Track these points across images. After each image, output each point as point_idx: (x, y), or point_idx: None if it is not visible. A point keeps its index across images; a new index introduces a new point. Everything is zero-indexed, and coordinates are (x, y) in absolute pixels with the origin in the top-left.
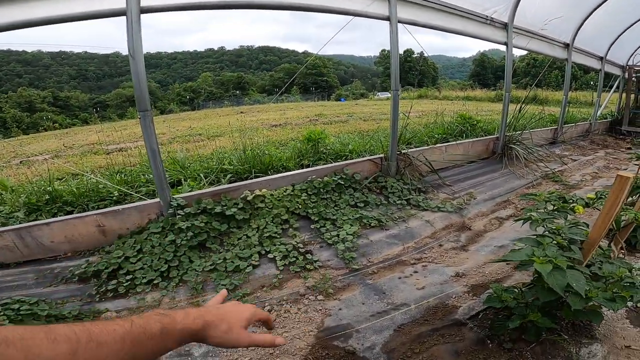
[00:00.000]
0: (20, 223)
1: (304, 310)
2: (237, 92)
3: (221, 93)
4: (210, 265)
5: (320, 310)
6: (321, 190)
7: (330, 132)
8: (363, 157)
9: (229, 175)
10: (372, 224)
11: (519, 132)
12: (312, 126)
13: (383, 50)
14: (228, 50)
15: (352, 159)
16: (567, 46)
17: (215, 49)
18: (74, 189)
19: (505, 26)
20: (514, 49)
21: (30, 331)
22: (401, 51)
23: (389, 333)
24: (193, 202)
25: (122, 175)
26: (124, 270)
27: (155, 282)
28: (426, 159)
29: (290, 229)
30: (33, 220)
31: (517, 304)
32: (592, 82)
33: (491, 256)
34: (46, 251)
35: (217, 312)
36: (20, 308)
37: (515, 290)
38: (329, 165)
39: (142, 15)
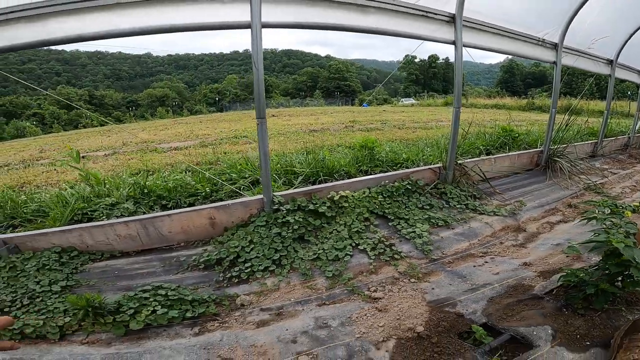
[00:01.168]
0: (135, 214)
1: (404, 289)
2: None
3: (245, 95)
4: (313, 254)
5: (416, 289)
6: (394, 193)
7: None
8: (423, 166)
9: (300, 177)
10: (439, 224)
11: (564, 145)
12: (350, 132)
13: (407, 56)
14: None
15: (408, 167)
16: (610, 62)
17: (240, 51)
18: (169, 185)
19: (554, 46)
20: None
21: None
22: (425, 57)
23: (483, 303)
24: (289, 200)
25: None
26: (242, 258)
27: (270, 269)
28: (480, 169)
29: (371, 226)
30: (150, 213)
31: (589, 278)
32: (628, 92)
33: (550, 251)
34: (162, 241)
35: None
36: (167, 294)
37: (585, 270)
38: (397, 172)
39: None
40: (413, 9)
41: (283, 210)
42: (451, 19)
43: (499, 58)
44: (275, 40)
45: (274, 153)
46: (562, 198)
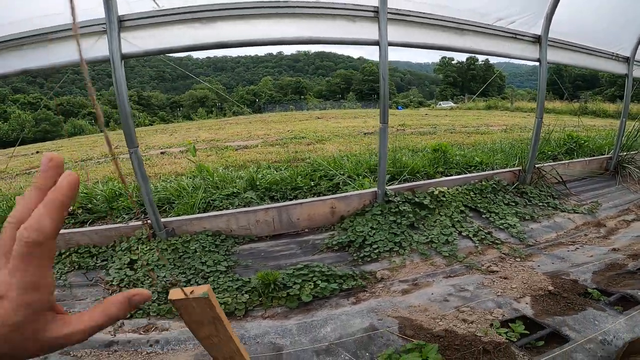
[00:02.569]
0: (251, 204)
1: (513, 265)
2: (296, 96)
3: (280, 97)
4: (426, 238)
5: (525, 266)
6: (483, 191)
7: (428, 143)
8: (498, 169)
9: (387, 176)
10: (525, 218)
11: (634, 152)
12: (405, 136)
13: (444, 58)
14: (286, 55)
15: (484, 169)
16: None
17: (274, 53)
18: (275, 178)
19: (627, 60)
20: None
21: None
22: (464, 58)
23: (589, 274)
24: (396, 193)
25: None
26: (368, 241)
27: (394, 249)
28: (557, 172)
29: (467, 217)
30: (275, 203)
31: None
32: None
33: (632, 241)
34: (291, 227)
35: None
36: (322, 270)
37: None
38: (482, 173)
39: None
40: (503, 31)
41: (394, 202)
42: (536, 40)
43: None
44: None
45: (350, 153)
46: (633, 200)
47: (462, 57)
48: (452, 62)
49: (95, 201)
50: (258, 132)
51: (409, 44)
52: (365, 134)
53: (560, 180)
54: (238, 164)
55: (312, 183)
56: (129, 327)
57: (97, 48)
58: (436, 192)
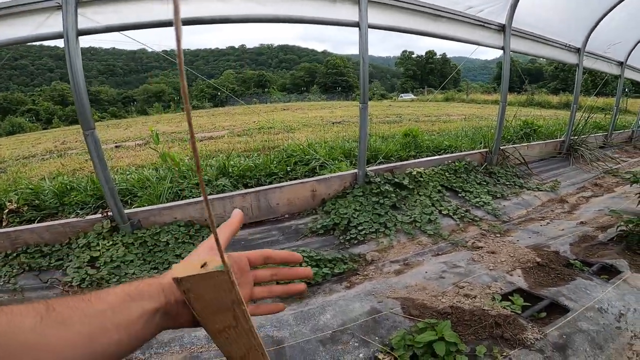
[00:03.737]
0: (231, 191)
1: (495, 241)
2: (259, 89)
3: (243, 90)
4: (409, 218)
5: (505, 241)
6: (457, 171)
7: (397, 130)
8: (466, 151)
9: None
10: (497, 196)
11: (584, 136)
12: (372, 125)
13: (404, 51)
14: (249, 49)
15: (453, 152)
16: (621, 64)
17: (236, 46)
18: (248, 165)
19: (577, 51)
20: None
21: None
22: (422, 52)
23: (567, 246)
24: (375, 174)
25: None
26: (353, 223)
27: (380, 230)
28: (520, 153)
29: (445, 197)
30: (257, 187)
31: None
32: (625, 89)
33: (595, 215)
34: (270, 213)
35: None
36: (310, 255)
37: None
38: (454, 154)
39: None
40: (474, 19)
41: (375, 183)
42: (501, 29)
43: (495, 54)
44: (271, 37)
45: (322, 140)
46: (587, 179)
47: (421, 51)
48: (412, 55)
49: (43, 197)
50: (223, 124)
51: (388, 27)
52: (333, 123)
53: (523, 161)
54: (205, 154)
55: (288, 168)
56: None
57: (48, 24)
58: (414, 173)
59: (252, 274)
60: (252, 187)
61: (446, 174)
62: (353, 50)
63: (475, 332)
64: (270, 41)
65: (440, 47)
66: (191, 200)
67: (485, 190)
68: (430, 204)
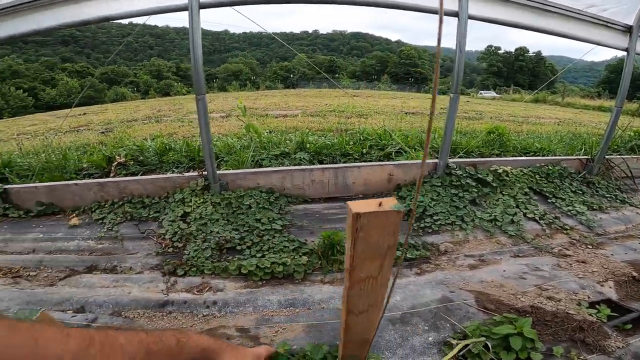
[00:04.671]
0: (309, 163)
1: (587, 252)
2: (329, 75)
3: (313, 75)
4: (489, 216)
5: (597, 253)
6: (549, 175)
7: (478, 127)
8: (562, 156)
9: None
10: (593, 207)
11: None
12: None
13: (490, 46)
14: (321, 34)
15: (544, 155)
16: None
17: (310, 32)
18: (325, 142)
19: None
20: None
21: (40, 327)
22: (510, 48)
23: None
24: (457, 166)
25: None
26: (428, 212)
27: (457, 223)
28: (627, 166)
29: (532, 200)
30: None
31: None
32: None
33: None
34: (345, 190)
35: (230, 344)
36: None
37: None
38: (547, 157)
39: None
40: (595, 18)
41: (455, 175)
42: (627, 30)
43: (606, 55)
44: (343, 22)
45: (397, 129)
46: None
47: (508, 47)
48: (499, 51)
49: (146, 154)
50: (296, 104)
51: (490, 20)
52: (406, 113)
53: (629, 175)
54: (281, 130)
55: (364, 151)
56: (182, 285)
57: None
58: (500, 171)
59: None
60: (327, 164)
61: (536, 176)
62: (428, 41)
63: (554, 333)
64: (343, 27)
65: (535, 44)
66: (274, 168)
67: (581, 199)
68: (515, 205)
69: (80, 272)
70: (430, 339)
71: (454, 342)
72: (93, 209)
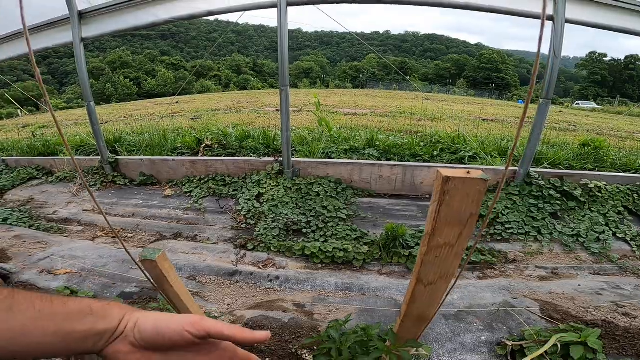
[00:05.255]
0: (377, 160)
1: None
2: (399, 76)
3: (383, 75)
4: (571, 231)
5: None
6: None
7: (568, 140)
8: None
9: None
10: None
11: None
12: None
13: (592, 53)
14: (393, 35)
15: None
16: None
17: (381, 32)
18: (396, 142)
19: None
20: None
21: None
22: (617, 55)
23: None
24: (540, 176)
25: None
26: (500, 220)
27: (531, 234)
28: None
29: (625, 220)
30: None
31: None
32: None
33: None
34: (412, 189)
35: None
36: None
37: None
38: None
39: None
40: None
41: (536, 185)
42: None
43: None
44: (417, 24)
45: (473, 134)
46: None
47: (615, 54)
48: (605, 58)
49: (229, 139)
50: (365, 104)
51: (591, 24)
52: (483, 120)
53: None
54: (350, 127)
55: (435, 153)
56: (250, 259)
57: None
58: (591, 185)
59: None
60: (396, 162)
61: (635, 195)
62: (511, 45)
63: (621, 347)
64: (416, 29)
65: None
66: (343, 160)
67: None
68: (604, 223)
69: (167, 238)
70: (483, 338)
71: (508, 343)
72: (184, 183)
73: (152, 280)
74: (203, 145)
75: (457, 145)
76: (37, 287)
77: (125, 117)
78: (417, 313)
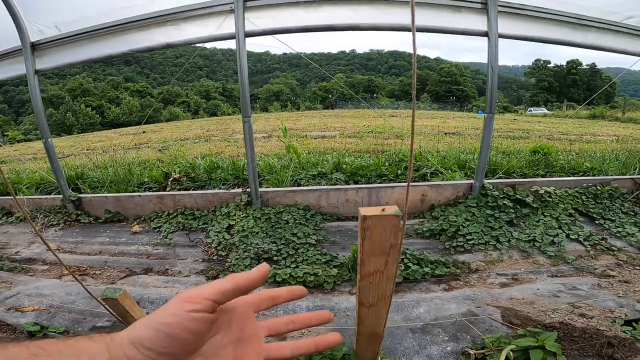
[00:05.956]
0: (345, 183)
1: (633, 273)
2: (367, 94)
3: (352, 94)
4: (527, 237)
5: None
6: (598, 196)
7: (523, 146)
8: (623, 175)
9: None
10: None
11: None
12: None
13: (538, 60)
14: (358, 54)
15: (594, 175)
16: None
17: (347, 51)
18: (362, 164)
19: None
20: None
21: None
22: (560, 61)
23: None
24: (494, 187)
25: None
26: (461, 232)
27: (491, 243)
28: None
29: (577, 222)
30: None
31: None
32: None
33: None
34: None
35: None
36: (413, 254)
37: None
38: (596, 177)
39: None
40: (636, 29)
41: (491, 196)
42: None
43: None
44: (381, 42)
45: (434, 149)
46: None
47: (559, 60)
48: (549, 65)
49: (197, 171)
50: (334, 125)
51: (522, 37)
52: (446, 133)
53: None
54: (319, 151)
55: (399, 172)
56: None
57: (224, 27)
58: (541, 192)
59: (264, 325)
60: (362, 184)
61: (582, 197)
62: (468, 57)
63: (581, 349)
64: (380, 46)
65: (589, 56)
66: (310, 187)
67: (632, 221)
68: (557, 226)
69: (137, 273)
70: (448, 348)
71: (471, 352)
72: (152, 218)
73: (116, 316)
74: (171, 179)
75: (419, 162)
76: (5, 324)
77: (87, 149)
78: (368, 331)
